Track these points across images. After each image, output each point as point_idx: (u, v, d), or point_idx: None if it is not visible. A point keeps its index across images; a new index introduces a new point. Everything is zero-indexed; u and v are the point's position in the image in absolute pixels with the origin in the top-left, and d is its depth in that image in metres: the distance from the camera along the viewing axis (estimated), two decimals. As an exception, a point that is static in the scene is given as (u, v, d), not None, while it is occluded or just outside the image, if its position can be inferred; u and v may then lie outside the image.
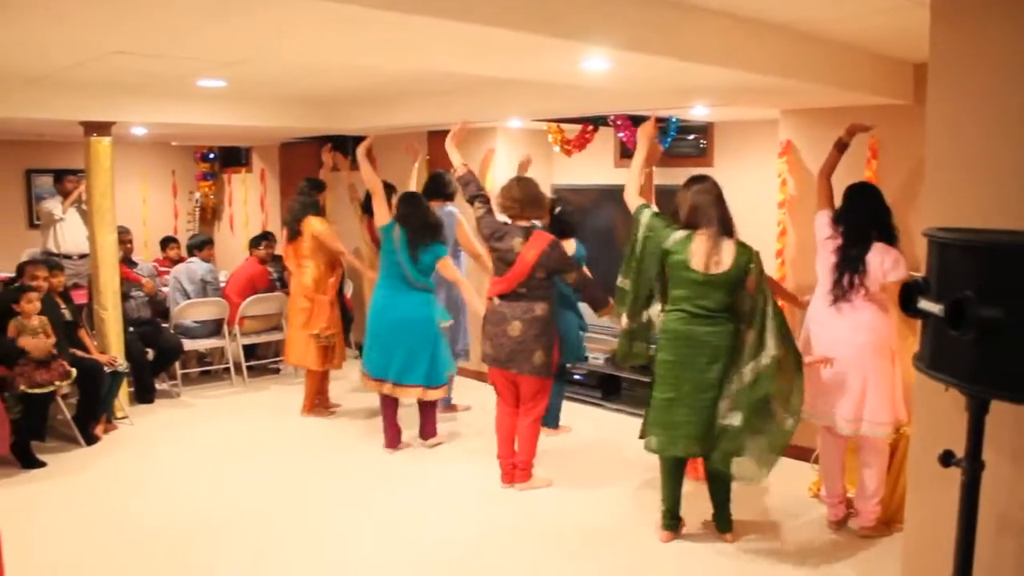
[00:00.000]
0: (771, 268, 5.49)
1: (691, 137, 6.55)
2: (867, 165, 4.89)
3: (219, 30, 3.01)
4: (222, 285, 8.00)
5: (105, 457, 5.64)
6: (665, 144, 6.11)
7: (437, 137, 7.88)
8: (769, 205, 5.50)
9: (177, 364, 7.21)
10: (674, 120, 6.10)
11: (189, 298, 7.38)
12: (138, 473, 5.37)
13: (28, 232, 9.49)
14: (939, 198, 2.61)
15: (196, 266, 7.62)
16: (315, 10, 2.54)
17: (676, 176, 6.53)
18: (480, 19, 2.64)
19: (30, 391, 5.30)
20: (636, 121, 6.20)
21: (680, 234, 4.08)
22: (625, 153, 6.86)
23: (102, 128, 6.14)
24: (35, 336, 5.40)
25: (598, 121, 6.47)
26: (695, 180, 4.20)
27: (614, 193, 6.85)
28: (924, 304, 2.09)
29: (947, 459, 2.17)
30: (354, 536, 4.42)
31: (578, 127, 6.74)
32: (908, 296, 2.15)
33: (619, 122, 6.19)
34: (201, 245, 8.01)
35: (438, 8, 2.54)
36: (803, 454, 5.04)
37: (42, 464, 5.41)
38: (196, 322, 7.31)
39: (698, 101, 5.05)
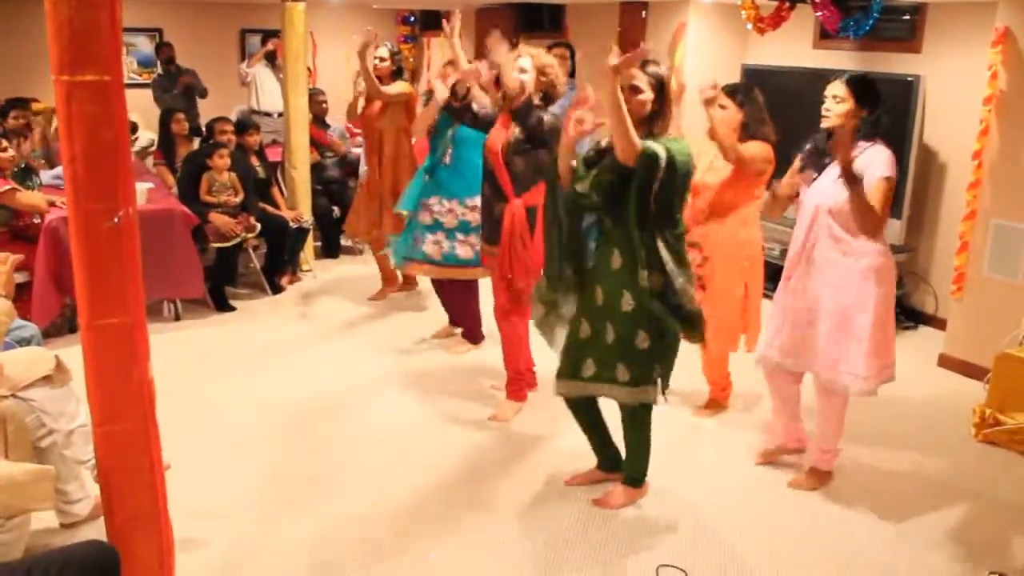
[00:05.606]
0: (968, 171, 5.01)
1: (904, 17, 5.91)
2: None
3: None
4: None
5: (287, 306, 6.09)
6: (865, 27, 5.57)
7: (629, 8, 7.60)
8: (978, 100, 4.95)
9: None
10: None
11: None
12: (314, 320, 5.79)
13: (241, 89, 10.04)
14: None
15: None
16: None
17: (880, 62, 6.00)
18: None
19: (218, 244, 5.81)
20: (836, 1, 5.68)
21: None
22: (824, 34, 6.34)
23: (297, -7, 6.35)
24: (225, 191, 5.88)
25: (796, -2, 5.98)
26: None
27: (811, 76, 6.43)
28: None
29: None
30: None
31: (774, 3, 6.26)
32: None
33: (818, 0, 5.69)
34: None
35: None
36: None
37: (232, 308, 5.91)
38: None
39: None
